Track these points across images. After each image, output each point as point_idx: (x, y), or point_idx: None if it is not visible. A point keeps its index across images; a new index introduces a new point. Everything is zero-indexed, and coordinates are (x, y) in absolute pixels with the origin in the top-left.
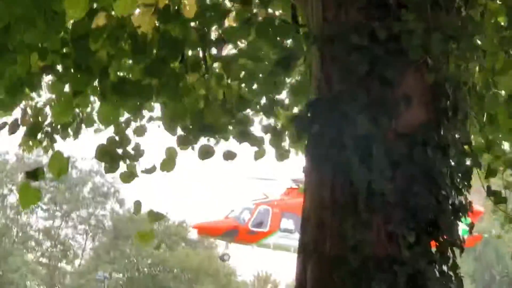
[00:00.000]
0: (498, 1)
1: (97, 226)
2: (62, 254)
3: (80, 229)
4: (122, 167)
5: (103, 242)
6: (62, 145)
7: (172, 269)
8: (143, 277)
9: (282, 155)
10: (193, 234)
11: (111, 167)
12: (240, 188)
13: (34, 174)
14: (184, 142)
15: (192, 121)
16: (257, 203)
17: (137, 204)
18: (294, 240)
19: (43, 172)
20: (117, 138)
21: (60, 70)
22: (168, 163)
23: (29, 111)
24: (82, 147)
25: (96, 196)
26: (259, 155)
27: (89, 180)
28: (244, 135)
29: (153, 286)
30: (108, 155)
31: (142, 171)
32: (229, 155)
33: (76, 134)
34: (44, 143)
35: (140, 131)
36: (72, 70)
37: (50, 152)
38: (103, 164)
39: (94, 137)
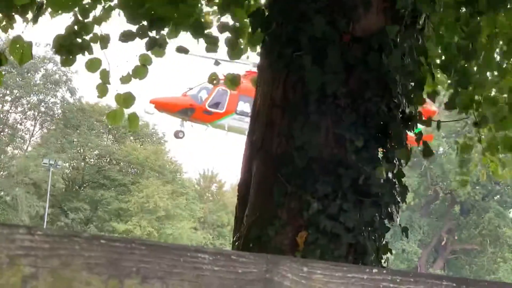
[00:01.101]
0: None
1: (47, 114)
2: (9, 139)
3: (30, 115)
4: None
5: (51, 129)
6: (17, 31)
7: (118, 162)
8: (89, 167)
9: (236, 53)
10: (141, 127)
11: (68, 59)
12: (199, 67)
13: None
14: (128, 38)
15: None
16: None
17: (102, 87)
18: (248, 123)
19: (5, 57)
20: (76, 27)
21: None
22: (141, 70)
23: None
24: (36, 33)
25: (47, 83)
26: (211, 49)
27: (41, 67)
28: (199, 32)
29: (98, 176)
30: (66, 46)
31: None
32: (182, 49)
33: (36, 17)
34: (3, 23)
35: (100, 20)
36: None
37: (9, 35)
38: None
39: (49, 23)
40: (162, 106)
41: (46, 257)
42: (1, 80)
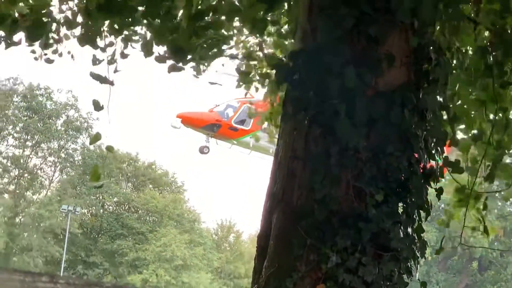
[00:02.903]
0: None
1: (67, 160)
2: (29, 184)
3: (50, 160)
4: None
5: (71, 176)
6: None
7: (137, 210)
8: (108, 214)
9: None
10: (160, 175)
11: None
12: (226, 85)
13: None
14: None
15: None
16: (242, 101)
17: (95, 136)
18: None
19: None
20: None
21: None
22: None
23: None
24: (59, 80)
25: (68, 129)
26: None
27: (63, 113)
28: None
29: (117, 225)
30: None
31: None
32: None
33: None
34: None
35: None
36: None
37: None
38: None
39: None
40: (188, 121)
41: None
42: None
